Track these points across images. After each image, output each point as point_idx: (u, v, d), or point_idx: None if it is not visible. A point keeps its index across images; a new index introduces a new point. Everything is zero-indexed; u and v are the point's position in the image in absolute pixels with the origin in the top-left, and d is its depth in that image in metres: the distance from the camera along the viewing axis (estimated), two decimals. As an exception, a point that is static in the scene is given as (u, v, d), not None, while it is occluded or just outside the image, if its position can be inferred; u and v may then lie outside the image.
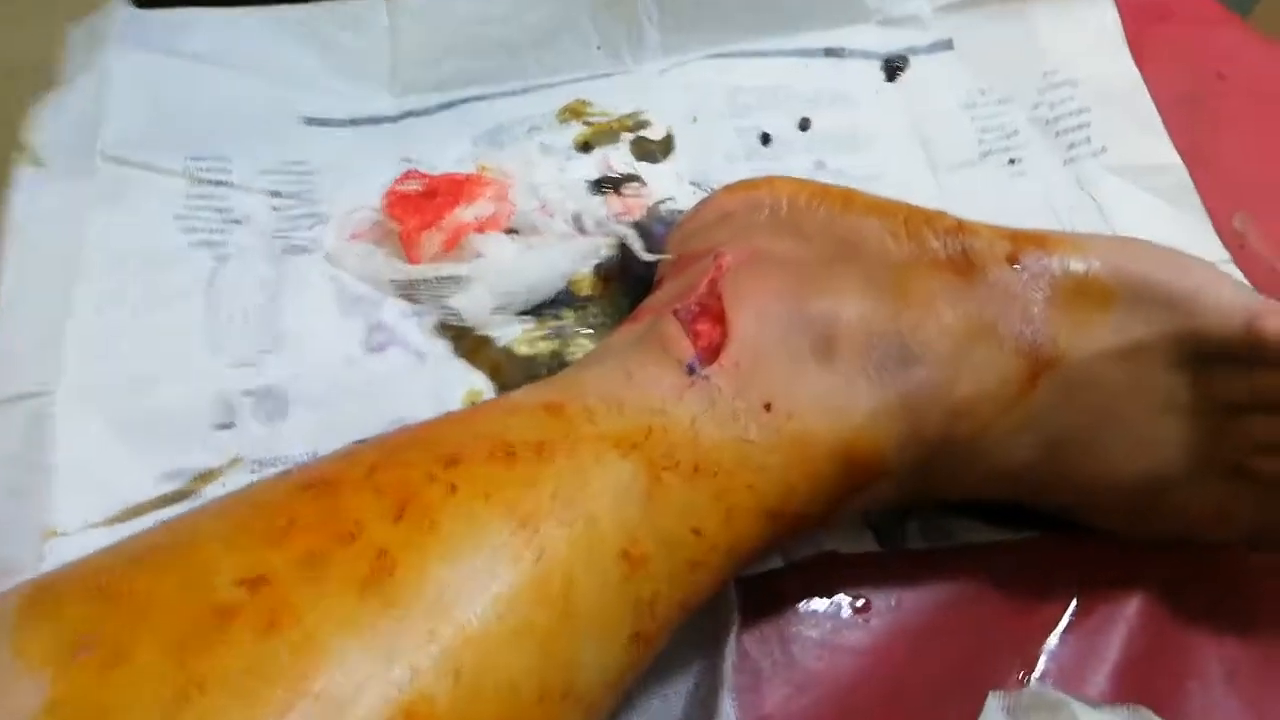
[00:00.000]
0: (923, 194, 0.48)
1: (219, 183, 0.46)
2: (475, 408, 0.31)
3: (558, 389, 0.32)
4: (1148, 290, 0.36)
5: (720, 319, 0.35)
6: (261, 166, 0.47)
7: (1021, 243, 0.38)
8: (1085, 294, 0.36)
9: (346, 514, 0.24)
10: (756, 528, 0.31)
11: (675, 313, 0.36)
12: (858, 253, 0.38)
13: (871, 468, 0.34)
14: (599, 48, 0.52)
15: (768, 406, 0.33)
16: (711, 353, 0.34)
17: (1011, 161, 0.52)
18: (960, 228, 0.39)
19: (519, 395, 0.32)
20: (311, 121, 0.49)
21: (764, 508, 0.31)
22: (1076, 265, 0.37)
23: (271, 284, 0.42)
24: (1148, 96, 0.52)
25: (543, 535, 0.26)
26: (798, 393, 0.33)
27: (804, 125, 0.51)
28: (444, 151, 0.48)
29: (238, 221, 0.44)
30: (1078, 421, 0.35)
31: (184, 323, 0.40)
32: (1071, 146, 0.52)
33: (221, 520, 0.25)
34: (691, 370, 0.33)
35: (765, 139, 0.51)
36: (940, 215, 0.40)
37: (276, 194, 0.46)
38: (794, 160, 0.50)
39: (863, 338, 0.35)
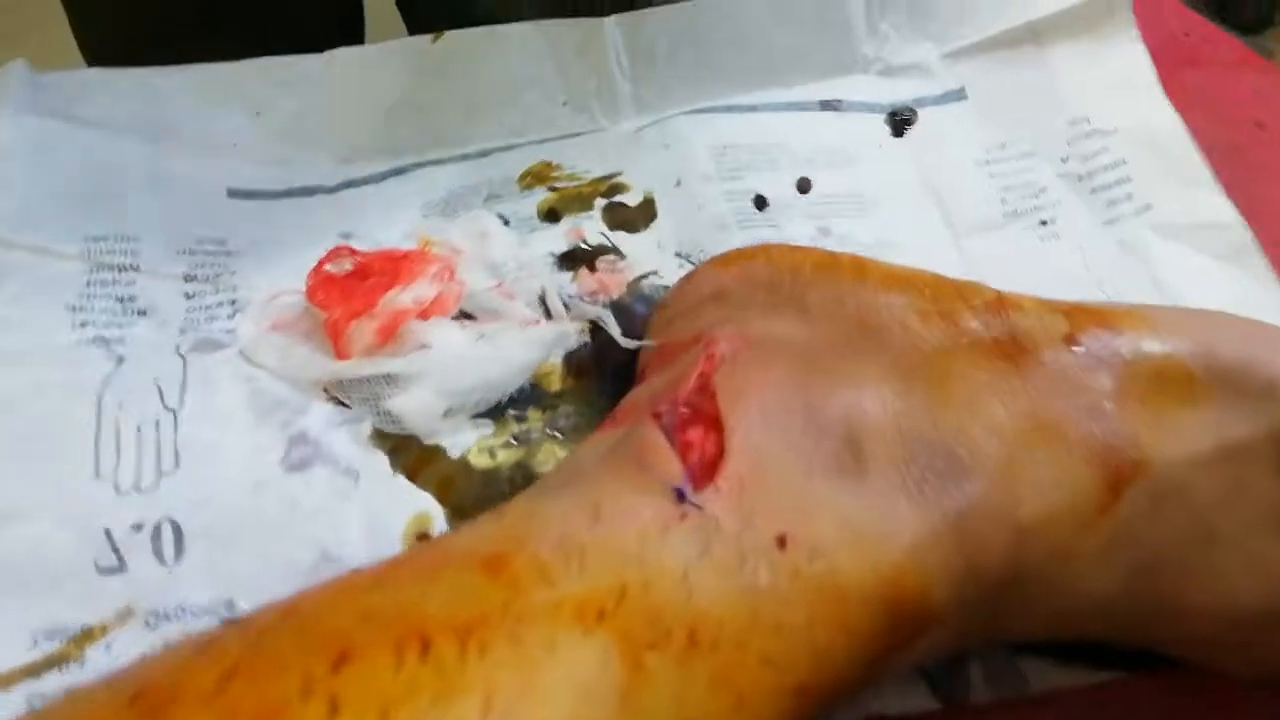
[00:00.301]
0: (942, 262, 0.42)
1: (123, 267, 0.39)
2: (390, 563, 0.24)
3: (503, 530, 0.25)
4: (1241, 375, 0.30)
5: (715, 424, 0.28)
6: (175, 246, 0.40)
7: (1080, 319, 0.32)
8: (1165, 382, 0.30)
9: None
10: (777, 712, 0.24)
11: (657, 416, 0.29)
12: (878, 336, 0.32)
13: (921, 614, 0.27)
14: (565, 103, 0.46)
15: (781, 541, 0.26)
16: (706, 470, 0.27)
17: (1043, 223, 0.46)
18: (1002, 302, 0.33)
19: (454, 539, 0.25)
20: (236, 194, 0.43)
21: (786, 685, 0.24)
22: (1151, 347, 0.31)
23: (175, 387, 0.35)
24: (1192, 145, 0.46)
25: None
26: (819, 520, 0.26)
27: (803, 187, 0.45)
28: (389, 225, 0.42)
29: (141, 313, 0.38)
30: (1173, 540, 0.28)
31: (63, 440, 0.33)
32: (1111, 204, 0.46)
33: None
34: (681, 497, 0.26)
35: (760, 203, 0.45)
36: (975, 287, 0.33)
37: (190, 278, 0.39)
38: (794, 226, 0.44)
39: (897, 443, 0.28)
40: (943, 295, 0.33)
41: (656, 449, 0.27)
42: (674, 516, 0.25)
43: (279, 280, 0.39)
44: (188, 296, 0.39)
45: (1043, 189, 0.47)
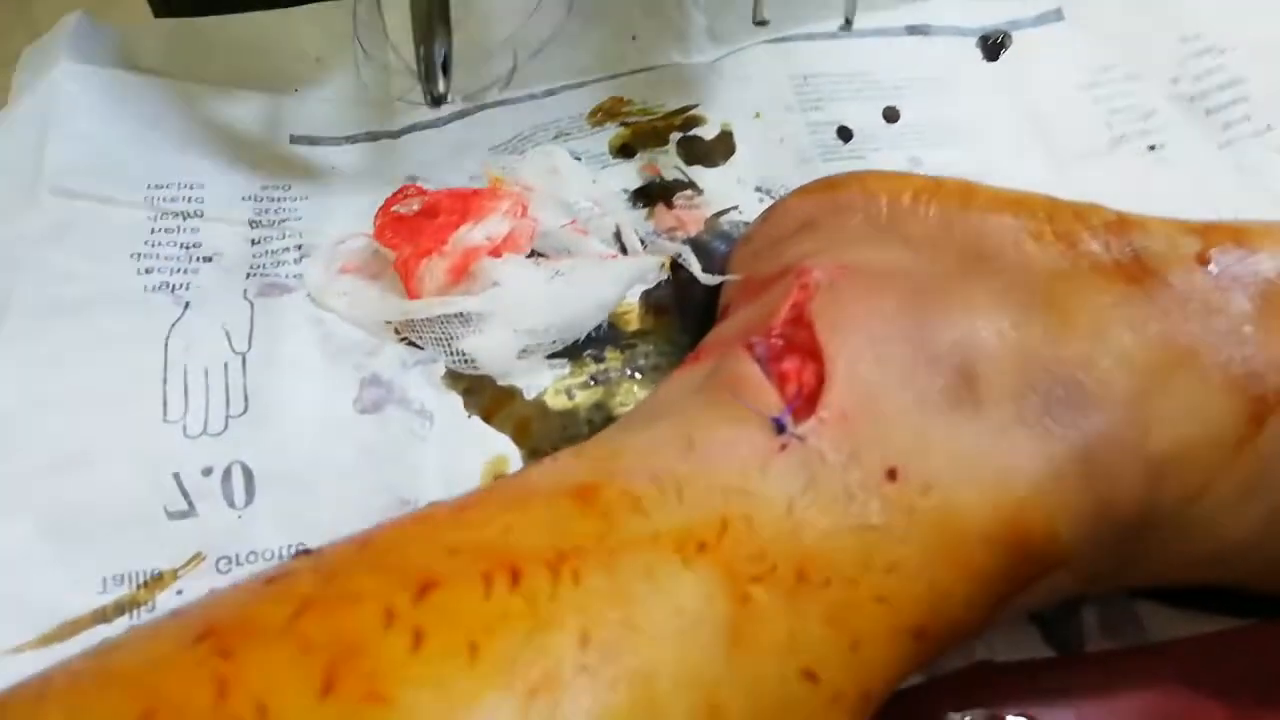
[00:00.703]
0: (1045, 192, 0.39)
1: (187, 214, 0.38)
2: (470, 496, 0.22)
3: (590, 463, 0.23)
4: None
5: (814, 354, 0.26)
6: (239, 192, 0.39)
7: (1212, 237, 0.29)
8: (1312, 303, 0.27)
9: (246, 690, 0.15)
10: (895, 655, 0.22)
11: (750, 347, 0.27)
12: (990, 261, 0.29)
13: (1045, 554, 0.25)
14: (635, 39, 0.43)
15: (892, 474, 0.23)
16: (806, 402, 0.25)
17: (1151, 148, 0.42)
18: (1124, 222, 0.30)
19: (537, 472, 0.23)
20: (299, 140, 0.42)
21: (903, 625, 0.22)
22: (1297, 264, 0.27)
23: (243, 331, 0.33)
24: (1317, 59, 0.42)
25: (566, 713, 0.16)
26: (933, 453, 0.24)
27: (891, 116, 0.43)
28: (456, 167, 0.40)
29: (207, 259, 0.37)
30: None
31: (132, 385, 0.32)
32: (1226, 126, 0.43)
33: (71, 697, 0.16)
34: (780, 428, 0.23)
35: (845, 134, 0.42)
36: (1094, 208, 0.31)
37: (255, 223, 0.38)
38: (882, 158, 0.41)
39: (1015, 372, 0.26)
40: (1058, 216, 0.30)
41: (750, 379, 0.25)
42: (773, 448, 0.23)
43: (345, 225, 0.37)
44: (253, 242, 0.38)
45: (1151, 112, 0.43)
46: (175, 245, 0.37)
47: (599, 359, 0.34)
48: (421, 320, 0.32)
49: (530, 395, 0.33)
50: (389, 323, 0.33)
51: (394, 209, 0.35)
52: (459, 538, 0.19)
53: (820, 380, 0.25)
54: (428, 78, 0.31)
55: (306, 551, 0.21)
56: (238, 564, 0.29)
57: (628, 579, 0.19)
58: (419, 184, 0.38)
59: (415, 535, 0.20)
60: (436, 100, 0.30)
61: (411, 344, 0.33)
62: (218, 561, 0.29)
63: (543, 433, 0.32)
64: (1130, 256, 0.29)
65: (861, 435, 0.24)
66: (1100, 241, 0.29)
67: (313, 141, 0.42)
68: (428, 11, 0.31)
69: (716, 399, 0.25)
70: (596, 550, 0.19)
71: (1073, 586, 0.27)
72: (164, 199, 0.38)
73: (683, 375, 0.28)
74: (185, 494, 0.30)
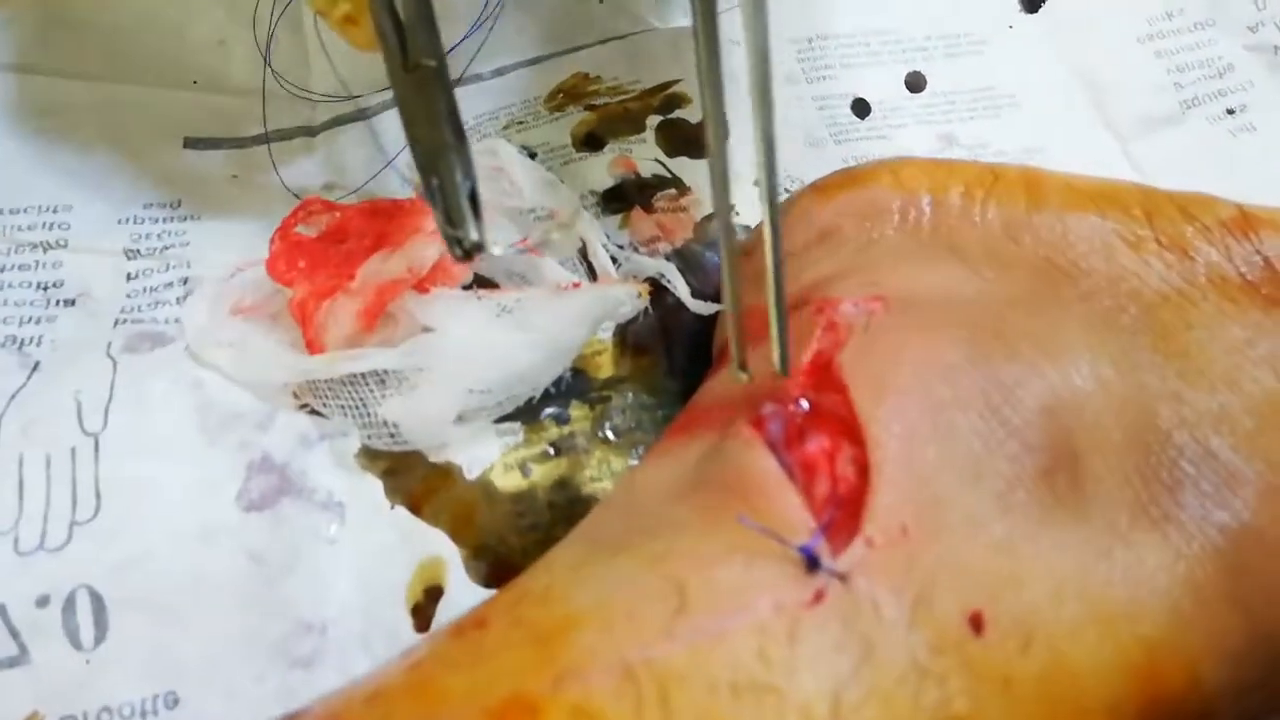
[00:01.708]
0: (1106, 171, 0.32)
1: (48, 245, 0.30)
2: (345, 710, 0.15)
3: (527, 646, 0.15)
4: None
5: (850, 432, 0.19)
6: (115, 214, 0.32)
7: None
8: None
9: None
10: None
11: (759, 424, 0.19)
12: (1074, 282, 0.22)
13: (1184, 709, 0.17)
14: (602, 1, 0.36)
15: (977, 623, 0.16)
16: (846, 511, 0.17)
17: (1230, 112, 0.36)
18: (1247, 219, 0.23)
19: (448, 652, 0.16)
20: (195, 143, 0.34)
21: None
22: None
23: (99, 402, 0.26)
24: None
25: None
26: (1029, 583, 0.17)
27: (915, 84, 0.36)
28: (385, 171, 0.33)
29: (69, 301, 0.29)
30: None
31: (-51, 483, 0.24)
32: (1323, 81, 0.35)
33: None
34: (813, 562, 0.16)
35: (861, 108, 0.35)
36: (1204, 200, 0.24)
37: (132, 253, 0.31)
38: (908, 136, 0.35)
39: (1131, 447, 0.19)
40: (1160, 214, 0.23)
41: (764, 479, 0.18)
42: (803, 601, 0.15)
43: (246, 250, 0.30)
44: (129, 277, 0.30)
45: (1228, 67, 0.37)
46: (30, 286, 0.30)
47: (562, 420, 0.26)
48: (325, 382, 0.25)
49: (472, 474, 0.25)
50: (285, 385, 0.25)
51: (295, 230, 0.27)
52: None
53: (863, 473, 0.18)
54: (451, 221, 0.22)
55: None
56: (84, 727, 0.22)
57: None
58: (336, 195, 0.31)
59: None
60: (469, 251, 0.21)
61: (315, 412, 0.25)
62: (59, 724, 0.22)
63: (490, 524, 0.25)
64: (1261, 268, 0.22)
65: (930, 564, 0.16)
66: (1220, 248, 0.22)
67: (212, 144, 0.35)
68: (434, 132, 0.22)
69: (714, 512, 0.17)
70: None
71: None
72: (19, 227, 0.31)
73: (665, 458, 0.21)
74: (14, 633, 0.23)
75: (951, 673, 0.15)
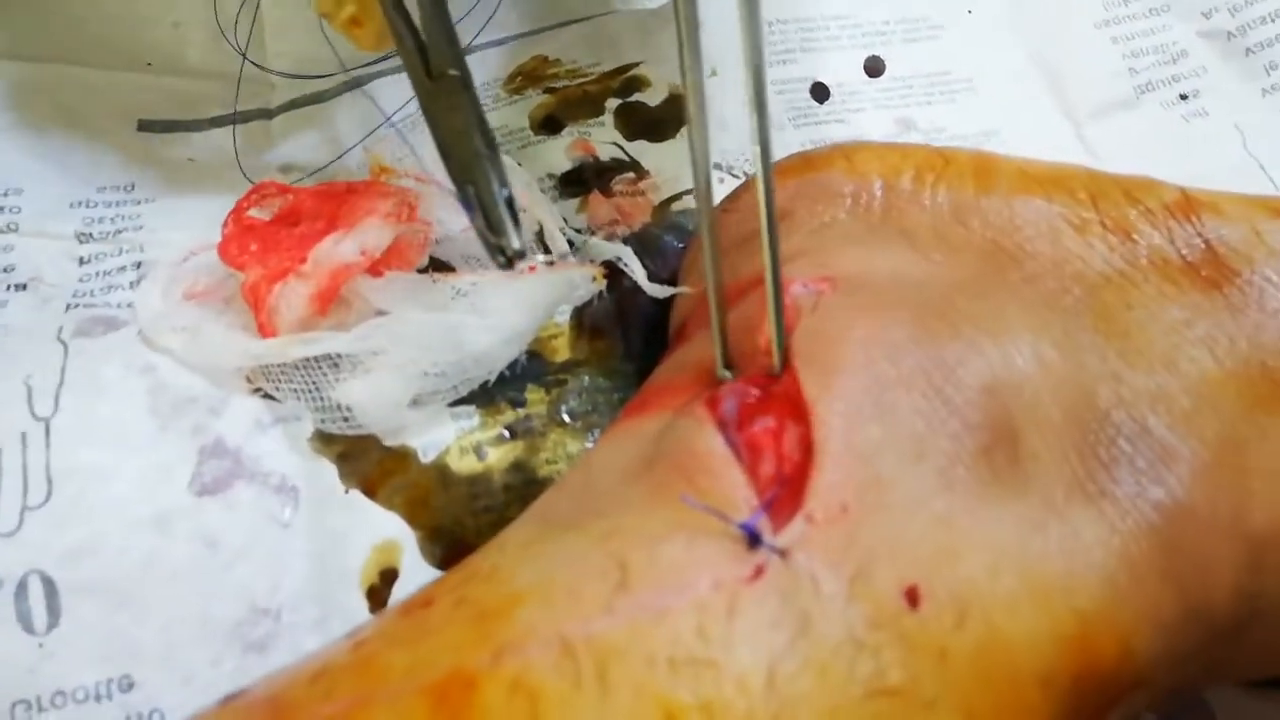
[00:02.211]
0: (1060, 155, 0.32)
1: (-1, 228, 0.30)
2: (287, 690, 0.15)
3: (469, 621, 0.15)
4: None
5: (796, 411, 0.19)
6: (67, 197, 0.32)
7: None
8: None
9: None
10: None
11: (714, 404, 0.19)
12: (1020, 264, 0.22)
13: (1117, 681, 0.18)
14: (564, -18, 0.36)
15: (912, 597, 0.16)
16: (789, 489, 0.17)
17: (1183, 97, 0.36)
18: (1189, 202, 0.23)
19: (392, 630, 0.16)
20: (149, 126, 0.34)
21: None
22: None
23: (50, 387, 0.26)
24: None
25: None
26: (966, 557, 0.17)
27: (874, 69, 0.36)
28: (340, 152, 0.33)
29: (20, 286, 0.29)
30: None
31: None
32: (1273, 68, 0.36)
33: None
34: (754, 539, 0.16)
35: (820, 93, 0.35)
36: (1149, 184, 0.24)
37: (85, 236, 0.30)
38: (867, 120, 0.35)
39: (1069, 425, 0.19)
40: (1105, 197, 0.23)
41: (711, 459, 0.18)
42: (742, 576, 0.16)
43: (200, 232, 0.29)
44: (81, 261, 0.30)
45: (1181, 53, 0.37)
46: (-20, 270, 0.29)
47: (517, 403, 0.26)
48: (279, 366, 0.25)
49: (427, 457, 0.25)
50: (238, 369, 0.25)
51: (249, 213, 0.27)
52: None
53: (808, 452, 0.18)
54: (493, 229, 0.22)
55: None
56: (40, 709, 0.22)
57: None
58: (293, 179, 0.30)
59: None
60: (511, 259, 0.21)
61: (268, 396, 0.25)
62: (13, 708, 0.22)
63: (445, 507, 0.25)
64: (1202, 250, 0.22)
65: (869, 540, 0.17)
66: (1162, 230, 0.23)
67: (167, 127, 0.34)
68: (465, 141, 0.22)
69: (662, 490, 0.18)
70: None
71: (1145, 705, 0.21)
72: (-31, 210, 0.30)
73: (618, 438, 0.21)
74: (-35, 619, 0.22)
75: (886, 645, 0.15)
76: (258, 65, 0.35)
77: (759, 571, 0.16)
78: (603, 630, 0.14)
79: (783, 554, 0.16)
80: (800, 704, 0.14)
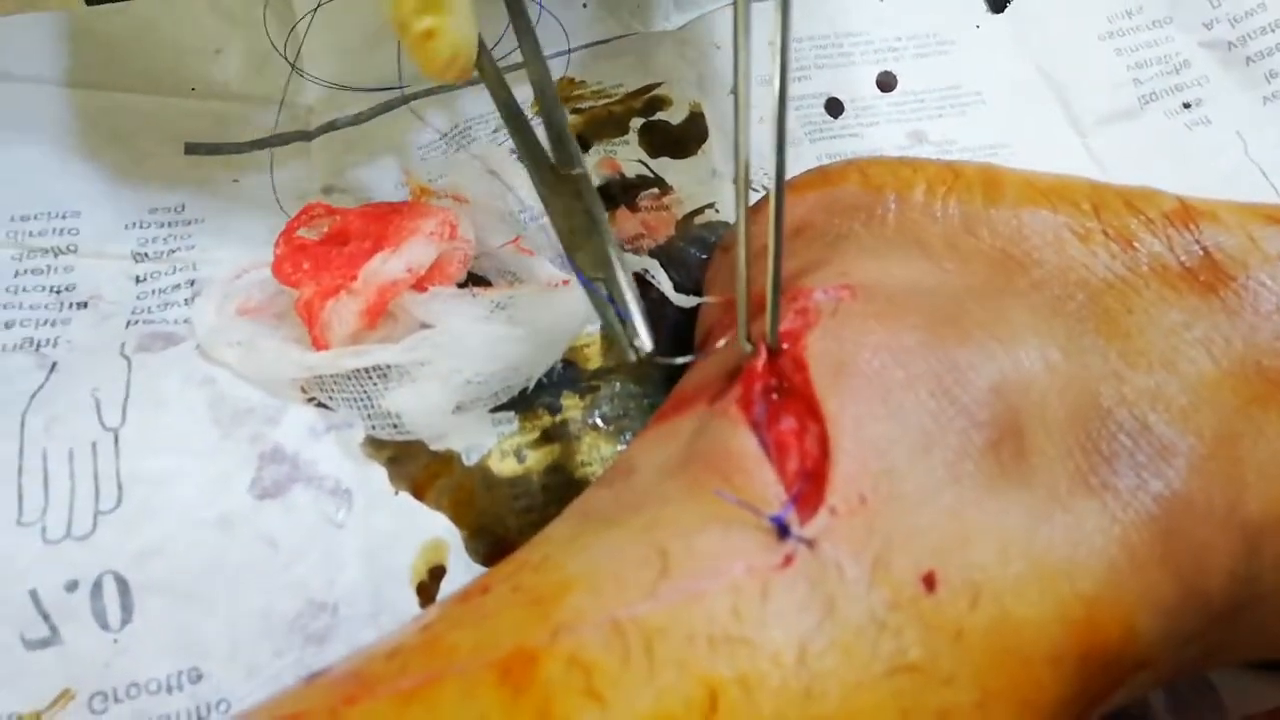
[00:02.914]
0: (1067, 166, 0.33)
1: (59, 250, 0.32)
2: (364, 668, 0.16)
3: (526, 606, 0.17)
4: None
5: (813, 411, 0.20)
6: (122, 219, 0.33)
7: (1300, 228, 0.23)
8: None
9: None
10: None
11: (747, 405, 0.21)
12: (1027, 272, 0.24)
13: (1122, 661, 0.19)
14: (585, 5, 0.37)
15: (929, 582, 0.18)
16: (811, 484, 0.19)
17: (1186, 106, 0.37)
18: (1187, 211, 0.24)
19: (456, 615, 0.17)
20: (195, 149, 0.36)
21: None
22: None
23: (117, 399, 0.27)
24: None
25: None
26: (976, 544, 0.19)
27: (886, 84, 0.37)
28: (379, 173, 0.34)
29: (81, 304, 0.31)
30: None
31: (-22, 478, 0.26)
32: (1273, 76, 0.37)
33: None
34: (783, 530, 0.18)
35: (834, 108, 0.36)
36: (1149, 194, 0.25)
37: (140, 256, 0.32)
38: (879, 134, 0.36)
39: (1072, 422, 0.21)
40: (1107, 207, 0.24)
41: (744, 457, 0.19)
42: (774, 564, 0.17)
43: (250, 251, 0.31)
44: (137, 280, 0.32)
45: (1184, 62, 0.38)
46: (44, 290, 0.31)
47: (554, 409, 0.28)
48: (331, 376, 0.26)
49: (471, 460, 0.27)
50: (293, 380, 0.27)
51: (298, 233, 0.29)
52: None
53: (825, 449, 0.19)
54: (625, 328, 0.24)
55: None
56: (116, 700, 0.24)
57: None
58: (334, 198, 0.32)
59: None
60: (641, 357, 0.23)
61: (322, 405, 0.27)
62: (91, 699, 0.24)
63: (488, 507, 0.26)
64: (1200, 257, 0.23)
65: (887, 529, 0.18)
66: (1161, 238, 0.24)
67: (212, 150, 0.36)
68: (594, 235, 0.24)
69: (698, 486, 0.19)
70: None
71: (1150, 685, 0.22)
72: (31, 233, 0.32)
73: (655, 439, 0.23)
74: (45, 616, 0.24)
75: (907, 626, 0.17)
76: (298, 71, 0.37)
77: (788, 560, 0.17)
78: (647, 612, 0.16)
79: (810, 544, 0.18)
80: (829, 678, 0.16)
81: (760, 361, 0.21)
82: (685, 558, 0.17)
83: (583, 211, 0.25)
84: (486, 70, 0.27)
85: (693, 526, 0.18)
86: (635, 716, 0.15)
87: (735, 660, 0.16)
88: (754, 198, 0.32)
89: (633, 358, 0.23)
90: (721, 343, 0.24)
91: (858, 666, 0.16)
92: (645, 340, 0.23)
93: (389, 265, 0.26)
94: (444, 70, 0.24)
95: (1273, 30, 0.37)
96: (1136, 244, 0.24)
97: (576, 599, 0.16)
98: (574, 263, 0.25)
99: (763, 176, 0.34)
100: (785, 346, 0.22)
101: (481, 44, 0.26)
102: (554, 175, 0.25)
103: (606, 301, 0.24)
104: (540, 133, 0.27)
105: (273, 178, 0.35)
